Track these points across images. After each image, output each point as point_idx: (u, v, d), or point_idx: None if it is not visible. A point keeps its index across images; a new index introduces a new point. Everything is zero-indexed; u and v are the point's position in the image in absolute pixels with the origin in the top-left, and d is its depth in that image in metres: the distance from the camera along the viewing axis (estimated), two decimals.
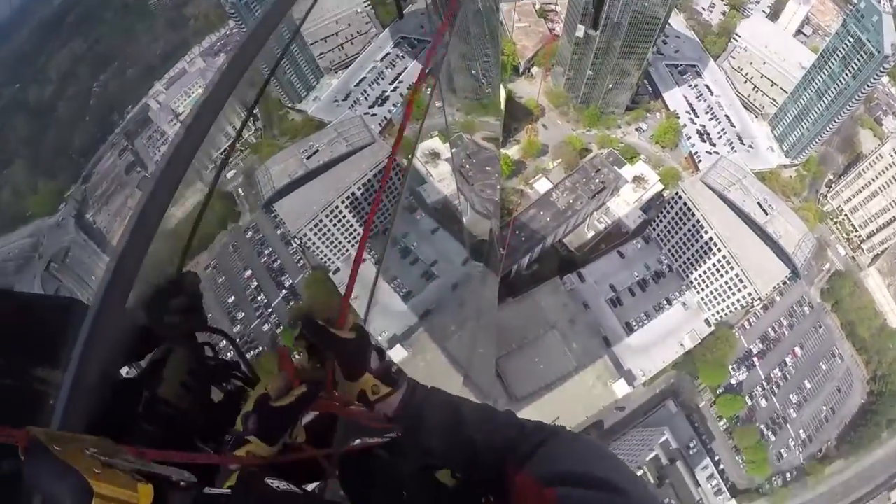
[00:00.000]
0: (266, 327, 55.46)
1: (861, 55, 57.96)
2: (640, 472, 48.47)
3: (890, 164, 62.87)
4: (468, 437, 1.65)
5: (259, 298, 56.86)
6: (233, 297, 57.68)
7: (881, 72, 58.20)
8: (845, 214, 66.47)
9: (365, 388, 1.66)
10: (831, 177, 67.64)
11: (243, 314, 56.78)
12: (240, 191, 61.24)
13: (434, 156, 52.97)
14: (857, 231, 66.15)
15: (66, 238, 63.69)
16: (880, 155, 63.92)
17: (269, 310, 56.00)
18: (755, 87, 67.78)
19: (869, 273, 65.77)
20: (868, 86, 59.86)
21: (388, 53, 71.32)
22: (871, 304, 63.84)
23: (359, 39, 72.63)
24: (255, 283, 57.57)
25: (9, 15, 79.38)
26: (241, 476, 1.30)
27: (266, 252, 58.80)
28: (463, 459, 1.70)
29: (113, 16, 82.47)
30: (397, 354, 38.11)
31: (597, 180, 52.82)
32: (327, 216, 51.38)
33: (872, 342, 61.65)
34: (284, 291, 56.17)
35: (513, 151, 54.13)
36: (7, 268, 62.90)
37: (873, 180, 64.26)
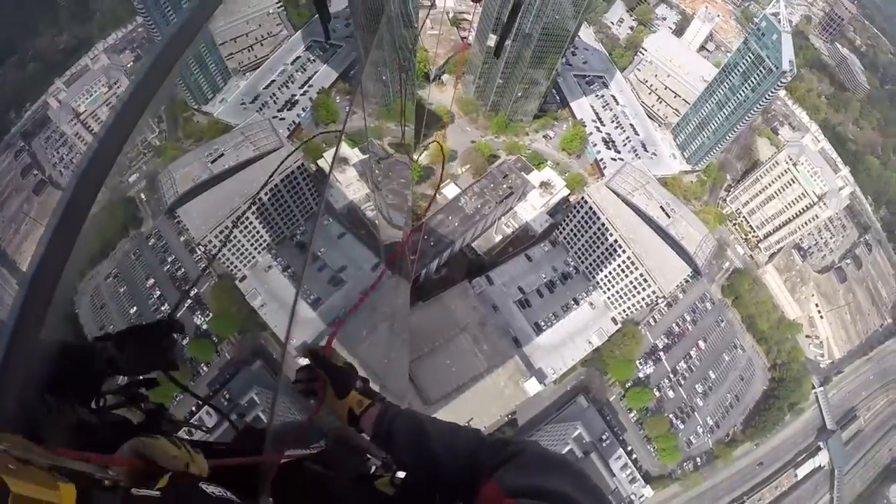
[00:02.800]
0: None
1: (760, 70, 63.45)
2: None
3: (785, 171, 69.11)
4: (431, 451, 1.83)
5: (163, 308, 54.72)
6: (135, 308, 55.49)
7: (779, 86, 63.69)
8: (743, 217, 72.60)
9: (352, 405, 2.11)
10: (730, 182, 73.79)
11: None
12: (142, 196, 58.74)
13: (342, 161, 53.18)
14: (754, 232, 72.31)
15: None
16: (776, 162, 70.23)
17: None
18: (659, 98, 72.81)
19: (766, 270, 71.96)
20: (766, 99, 65.40)
21: (298, 57, 70.76)
22: (769, 298, 69.80)
23: (269, 41, 71.89)
24: (159, 293, 55.53)
25: None
26: (172, 478, 1.25)
27: (169, 260, 56.76)
28: (427, 470, 1.85)
29: (14, 4, 75.74)
30: (306, 362, 37.83)
31: (504, 185, 54.70)
32: (233, 223, 50.51)
33: (771, 333, 67.22)
34: (189, 301, 53.95)
35: (422, 157, 54.95)
36: None
37: (769, 185, 70.51)
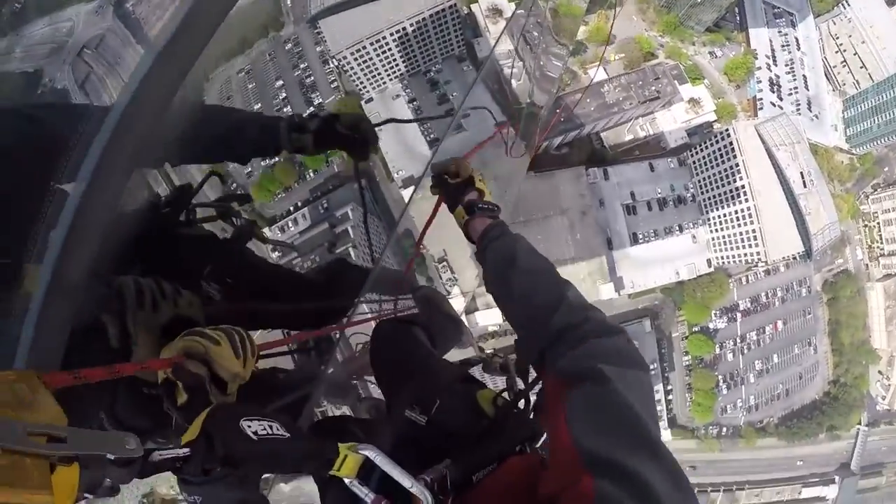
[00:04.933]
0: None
1: None
2: None
3: None
4: (509, 284, 1.59)
5: (285, 111, 55.54)
6: (259, 105, 57.23)
7: None
8: (878, 222, 65.66)
9: (458, 217, 1.96)
10: (880, 181, 66.01)
11: None
12: (288, 0, 58.64)
13: (496, 12, 50.88)
14: (881, 243, 65.69)
15: (102, 25, 62.37)
16: None
17: None
18: (844, 60, 64.38)
19: (874, 287, 65.88)
20: None
21: None
22: (864, 315, 64.70)
23: None
24: (284, 95, 56.80)
25: None
26: (205, 426, 0.95)
27: (301, 66, 57.50)
28: (503, 305, 1.63)
29: None
30: (408, 195, 39.65)
31: (653, 88, 51.58)
32: (371, 44, 50.32)
33: (849, 350, 63.20)
34: (312, 108, 54.92)
35: (578, 32, 51.88)
36: (38, 51, 62.08)
37: None
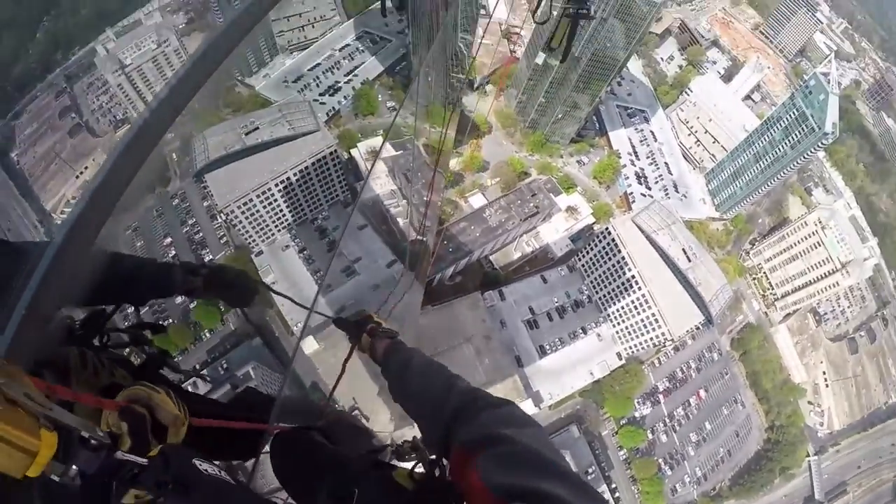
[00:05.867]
0: (179, 299, 51.86)
1: (802, 128, 62.56)
2: None
3: (812, 233, 67.84)
4: (407, 382, 1.91)
5: None
6: None
7: (819, 147, 62.72)
8: (764, 272, 71.36)
9: (364, 346, 2.41)
10: (756, 236, 72.63)
11: None
12: (174, 155, 59.37)
13: (374, 154, 53.23)
14: (772, 289, 70.99)
15: None
16: (805, 223, 69.08)
17: None
18: (698, 140, 72.08)
19: (779, 329, 70.56)
20: (804, 157, 64.56)
21: (348, 44, 70.87)
22: (778, 358, 68.33)
23: (321, 24, 72.19)
24: (174, 253, 56.09)
25: None
26: (164, 448, 1.15)
27: (189, 222, 57.30)
28: (404, 402, 1.90)
29: None
30: (309, 346, 36.67)
31: (531, 204, 54.44)
32: (258, 196, 50.61)
33: (774, 394, 65.75)
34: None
35: (453, 163, 55.47)
36: None
37: (794, 245, 69.25)
